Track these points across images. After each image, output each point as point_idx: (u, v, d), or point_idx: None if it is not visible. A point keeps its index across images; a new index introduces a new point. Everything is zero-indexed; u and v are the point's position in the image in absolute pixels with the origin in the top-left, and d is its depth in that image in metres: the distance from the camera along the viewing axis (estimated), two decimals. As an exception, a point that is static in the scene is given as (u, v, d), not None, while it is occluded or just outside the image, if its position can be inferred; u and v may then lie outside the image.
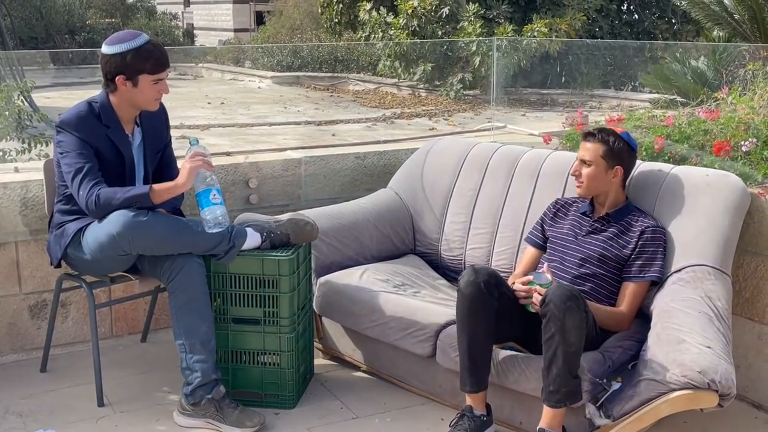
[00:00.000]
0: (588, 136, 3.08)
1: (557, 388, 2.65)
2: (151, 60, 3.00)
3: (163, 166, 3.27)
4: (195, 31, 28.41)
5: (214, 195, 3.02)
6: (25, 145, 6.35)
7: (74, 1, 22.52)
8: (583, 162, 3.06)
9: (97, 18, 22.54)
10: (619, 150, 3.04)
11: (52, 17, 21.33)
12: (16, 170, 3.75)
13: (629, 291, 2.98)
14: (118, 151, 3.09)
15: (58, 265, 3.18)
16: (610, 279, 3.01)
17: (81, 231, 3.04)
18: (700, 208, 3.03)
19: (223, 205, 3.03)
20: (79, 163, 2.99)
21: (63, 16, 21.57)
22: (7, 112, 6.50)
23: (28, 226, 3.53)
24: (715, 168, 3.26)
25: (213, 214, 3.00)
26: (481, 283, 2.80)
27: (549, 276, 2.82)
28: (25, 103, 7.71)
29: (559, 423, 2.71)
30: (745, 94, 4.01)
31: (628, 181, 3.15)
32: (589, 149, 3.05)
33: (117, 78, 3.01)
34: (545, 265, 2.98)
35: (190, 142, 3.10)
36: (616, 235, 3.04)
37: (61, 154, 3.04)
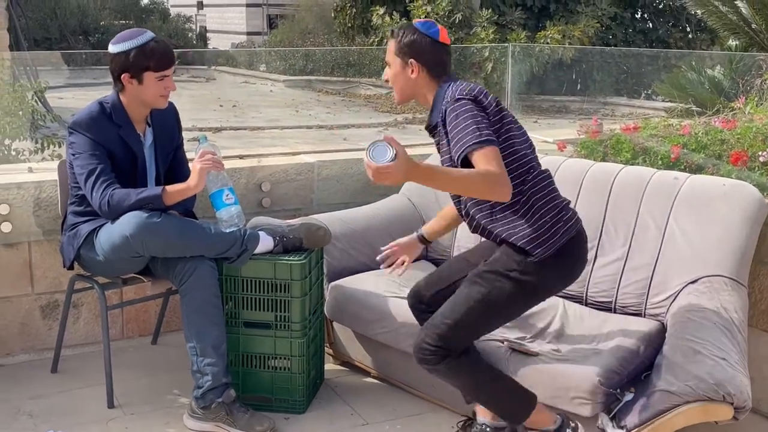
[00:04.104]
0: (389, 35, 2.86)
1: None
2: (154, 57, 3.01)
3: (175, 168, 3.27)
4: (208, 34, 28.51)
5: (227, 195, 3.04)
6: (38, 145, 6.38)
7: (89, 2, 22.66)
8: (387, 64, 2.82)
9: (111, 19, 22.68)
10: (409, 42, 2.71)
11: (67, 18, 21.45)
12: (30, 170, 3.75)
13: (474, 162, 2.49)
14: (130, 151, 3.09)
15: (71, 267, 3.18)
16: None
17: (94, 232, 3.05)
18: (717, 218, 3.01)
19: (237, 204, 3.06)
20: (92, 165, 3.00)
21: (77, 17, 21.69)
22: (20, 112, 6.54)
23: (41, 226, 3.53)
24: (732, 178, 3.24)
25: (228, 214, 3.03)
26: (411, 308, 2.99)
27: (391, 148, 2.33)
28: (39, 103, 7.76)
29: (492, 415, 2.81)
30: (761, 104, 3.99)
31: (441, 75, 2.73)
32: (388, 49, 2.81)
33: (122, 76, 3.03)
34: (382, 135, 2.50)
35: (198, 140, 3.10)
36: (444, 141, 2.65)
37: (74, 155, 3.04)
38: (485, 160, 2.47)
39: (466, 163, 2.50)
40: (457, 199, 2.82)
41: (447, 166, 2.66)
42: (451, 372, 2.68)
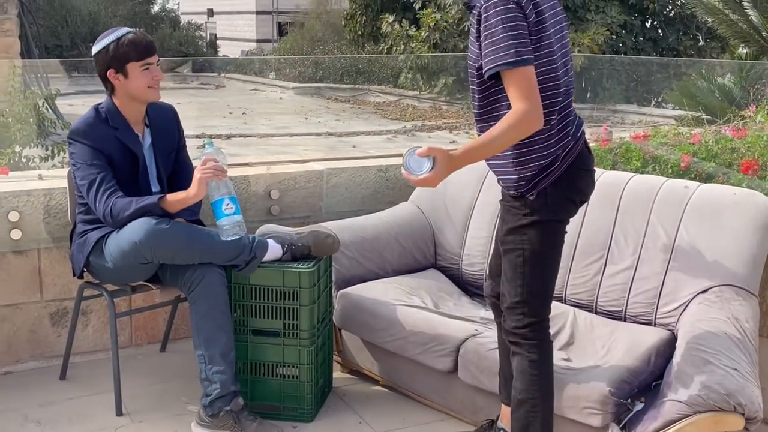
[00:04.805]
0: None
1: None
2: (133, 47, 3.03)
3: (178, 171, 3.27)
4: (218, 42, 28.62)
5: (228, 205, 2.98)
6: (49, 152, 6.41)
7: (99, 10, 22.80)
8: None
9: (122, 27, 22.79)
10: None
11: (77, 26, 21.59)
12: (40, 177, 3.76)
13: (506, 85, 2.36)
14: (129, 152, 3.10)
15: (81, 276, 3.19)
16: (484, 89, 2.49)
17: (103, 239, 3.06)
18: (727, 227, 2.99)
19: (238, 214, 2.99)
20: (92, 175, 3.01)
21: (88, 24, 21.83)
22: (31, 119, 6.57)
23: (50, 233, 3.54)
24: (742, 187, 3.22)
25: (228, 224, 2.97)
26: (492, 306, 2.85)
27: (428, 160, 2.31)
28: (49, 110, 7.79)
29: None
30: (772, 112, 3.97)
31: None
32: None
33: (108, 73, 3.05)
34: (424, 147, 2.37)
35: (204, 144, 3.10)
36: (474, 30, 2.42)
37: (74, 165, 3.07)
38: (516, 90, 2.31)
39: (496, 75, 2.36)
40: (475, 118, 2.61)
41: (471, 61, 2.47)
42: (537, 360, 2.56)
